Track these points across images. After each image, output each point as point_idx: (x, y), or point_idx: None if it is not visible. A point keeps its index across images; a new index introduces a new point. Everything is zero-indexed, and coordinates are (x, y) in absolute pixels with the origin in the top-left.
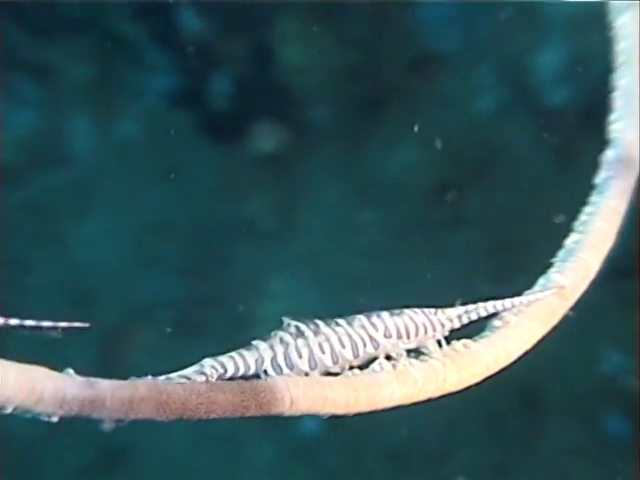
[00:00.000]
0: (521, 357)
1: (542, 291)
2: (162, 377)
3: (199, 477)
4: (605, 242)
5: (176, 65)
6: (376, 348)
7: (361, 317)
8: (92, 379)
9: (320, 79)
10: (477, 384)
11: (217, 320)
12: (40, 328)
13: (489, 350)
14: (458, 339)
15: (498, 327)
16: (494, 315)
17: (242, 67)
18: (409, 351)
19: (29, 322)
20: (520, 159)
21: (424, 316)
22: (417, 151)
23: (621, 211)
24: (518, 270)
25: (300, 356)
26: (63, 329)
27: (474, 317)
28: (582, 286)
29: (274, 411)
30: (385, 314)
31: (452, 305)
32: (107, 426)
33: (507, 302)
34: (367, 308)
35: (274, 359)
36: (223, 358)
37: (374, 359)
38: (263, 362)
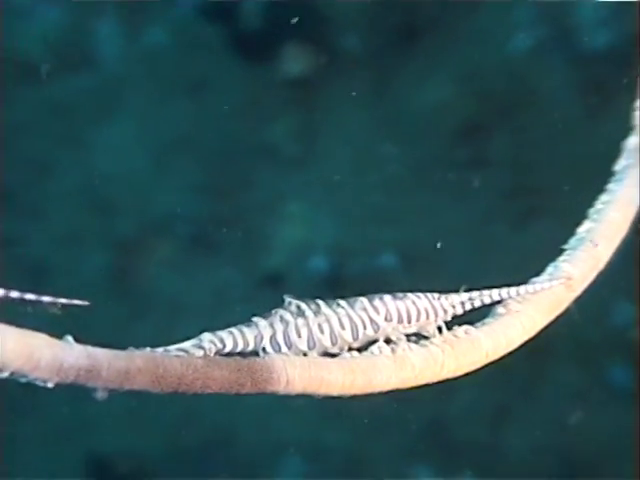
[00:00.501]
0: (522, 346)
1: (550, 280)
2: (160, 349)
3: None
4: (618, 233)
5: None
6: (376, 331)
7: (363, 299)
8: (90, 348)
9: (355, 6)
10: (475, 371)
11: (233, 240)
12: (40, 302)
13: (490, 338)
14: (460, 324)
15: (501, 314)
16: (498, 302)
17: None
18: (409, 335)
19: (29, 295)
20: (551, 103)
21: (427, 301)
22: (447, 87)
23: (637, 201)
24: (538, 216)
25: (299, 335)
26: (63, 305)
27: (478, 304)
28: (590, 277)
29: (269, 389)
30: (387, 297)
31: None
32: (100, 395)
33: (512, 290)
34: (380, 241)
35: (273, 337)
36: (222, 333)
37: (374, 342)
38: (262, 339)
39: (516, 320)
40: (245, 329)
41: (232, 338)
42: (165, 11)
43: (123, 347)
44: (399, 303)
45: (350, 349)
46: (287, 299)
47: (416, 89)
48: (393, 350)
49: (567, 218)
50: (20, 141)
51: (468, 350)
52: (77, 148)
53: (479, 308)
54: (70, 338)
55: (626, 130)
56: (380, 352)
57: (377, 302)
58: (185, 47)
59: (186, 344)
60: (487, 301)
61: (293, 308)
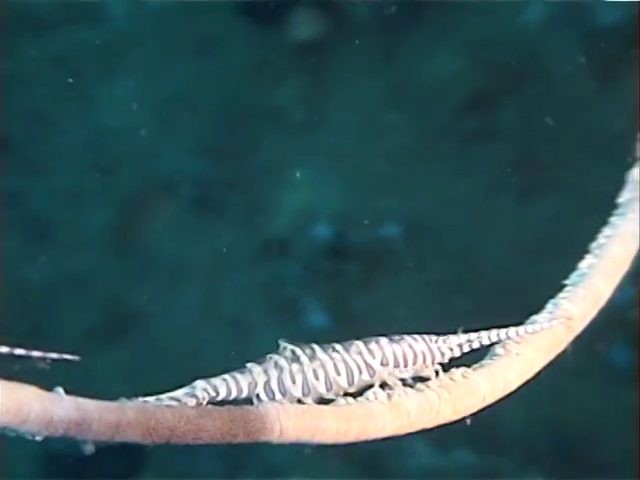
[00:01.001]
0: (519, 388)
1: (549, 320)
2: (152, 398)
3: (202, 353)
4: (620, 269)
5: None
6: (372, 376)
7: (358, 343)
8: (80, 400)
9: None
10: (471, 415)
11: (236, 203)
12: (29, 357)
13: (488, 381)
14: (457, 366)
15: (499, 355)
16: (496, 342)
17: None
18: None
19: (19, 351)
20: (561, 76)
21: (424, 344)
22: (456, 58)
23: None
24: (544, 190)
25: (294, 382)
26: (52, 360)
27: (476, 346)
28: (591, 315)
29: (262, 439)
30: (384, 340)
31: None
32: (89, 448)
33: (511, 331)
34: (385, 211)
35: (267, 383)
36: (215, 381)
37: (369, 386)
38: (256, 386)
39: (514, 362)
40: (239, 376)
41: (225, 386)
42: None
43: (126, 308)
44: (395, 347)
45: (345, 394)
46: (282, 344)
47: (425, 58)
48: (389, 396)
49: (573, 193)
50: (23, 94)
51: (465, 394)
52: (81, 103)
53: (477, 350)
54: (60, 390)
55: (635, 108)
56: (375, 398)
57: (373, 346)
58: (194, 6)
59: (178, 392)
60: (485, 343)
61: (288, 353)
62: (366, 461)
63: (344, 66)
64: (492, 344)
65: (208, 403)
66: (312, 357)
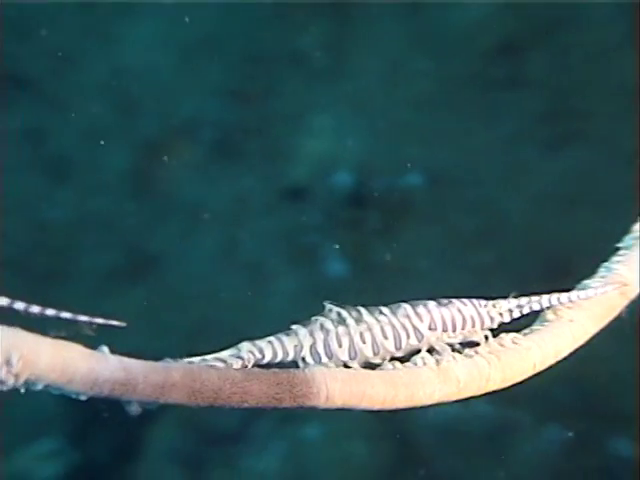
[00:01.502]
0: (571, 354)
1: (603, 286)
2: (197, 359)
3: (220, 297)
4: None
5: None
6: (420, 340)
7: (406, 306)
8: (125, 360)
9: None
10: (521, 382)
11: (257, 148)
12: (75, 322)
13: (539, 348)
14: (507, 331)
15: (551, 321)
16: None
17: None
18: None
19: (65, 314)
20: (593, 25)
21: (473, 308)
22: (485, 4)
23: None
24: (572, 141)
25: (340, 345)
26: (98, 325)
27: (526, 311)
28: None
29: (308, 404)
30: (432, 304)
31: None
32: (134, 409)
33: (563, 296)
34: (407, 159)
35: (313, 346)
36: (261, 343)
37: (417, 351)
38: (302, 349)
39: (566, 328)
40: (284, 338)
41: (271, 348)
42: None
43: (145, 251)
44: (444, 310)
45: (392, 359)
46: (327, 306)
47: (453, 4)
48: (437, 362)
49: (601, 145)
50: (44, 32)
51: (515, 361)
52: (103, 42)
53: (527, 315)
54: (105, 349)
55: None
56: (424, 363)
57: (421, 309)
58: None
59: (224, 353)
60: (536, 308)
61: (334, 315)
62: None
63: (370, 11)
64: (543, 310)
65: (254, 365)
66: (359, 320)
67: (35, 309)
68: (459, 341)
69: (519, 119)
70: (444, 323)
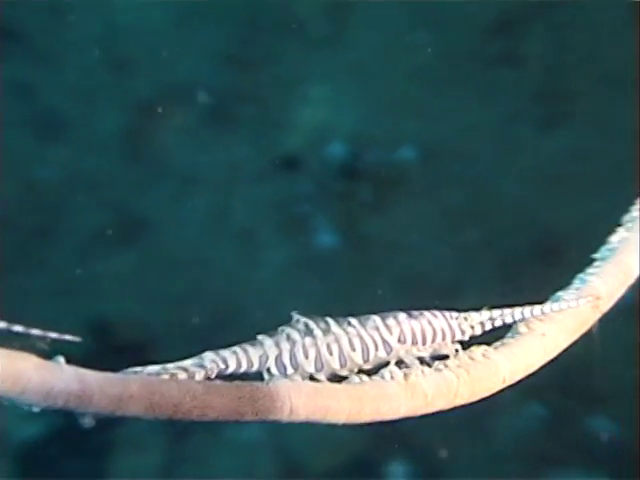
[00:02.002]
0: (540, 369)
1: (576, 299)
2: (158, 367)
3: (209, 265)
4: None
5: None
6: (388, 353)
7: (376, 318)
8: (81, 371)
9: None
10: (489, 396)
11: (251, 115)
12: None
13: (509, 362)
14: (478, 344)
15: (523, 333)
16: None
17: None
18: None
19: (18, 327)
20: (590, 5)
21: (444, 320)
22: None
23: None
24: (567, 121)
25: (306, 356)
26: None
27: (498, 324)
28: (619, 293)
29: (271, 418)
30: (402, 316)
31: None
32: (88, 421)
33: (536, 309)
34: (402, 133)
35: (279, 357)
36: (225, 352)
37: (385, 363)
38: (267, 360)
39: (538, 342)
40: (249, 348)
41: (235, 358)
42: None
43: (135, 214)
44: (414, 323)
45: (360, 371)
46: (295, 316)
47: None
48: (405, 376)
49: (597, 126)
50: None
51: (485, 375)
52: None
53: (499, 328)
54: (61, 359)
55: None
56: (391, 377)
57: (391, 321)
58: None
59: (186, 362)
60: (508, 321)
61: (301, 326)
62: None
63: None
64: (515, 322)
65: (217, 376)
66: (326, 331)
67: None
68: (429, 354)
69: (515, 97)
70: (414, 336)
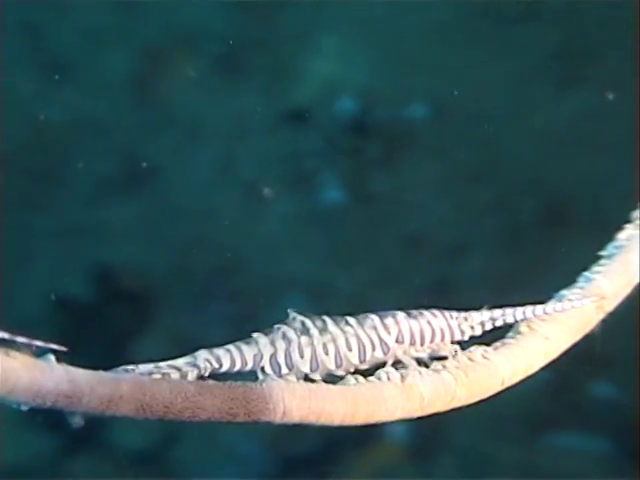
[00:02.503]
0: (540, 370)
1: (580, 299)
2: (150, 365)
3: (214, 215)
4: None
5: None
6: (386, 353)
7: (374, 317)
8: (72, 371)
9: None
10: (486, 399)
11: (261, 65)
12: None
13: (508, 363)
14: (478, 344)
15: (524, 334)
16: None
17: None
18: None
19: (3, 334)
20: None
21: (443, 320)
22: None
23: None
24: (581, 81)
25: (302, 356)
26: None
27: (499, 324)
28: (624, 293)
29: (263, 419)
30: (401, 315)
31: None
32: (77, 421)
33: (538, 309)
34: (413, 89)
35: (274, 356)
36: (219, 351)
37: (382, 364)
38: (262, 359)
39: (539, 343)
40: (244, 347)
41: (229, 357)
42: None
43: (142, 160)
44: (413, 322)
45: (356, 371)
46: (291, 314)
47: None
48: (402, 377)
49: (614, 87)
50: None
51: (483, 377)
52: None
53: (500, 328)
54: (52, 358)
55: None
56: (388, 378)
57: (389, 320)
58: None
59: (179, 361)
60: (510, 321)
61: (297, 324)
62: None
63: None
64: (516, 322)
65: (210, 374)
66: (323, 330)
67: None
68: (427, 355)
69: (530, 55)
70: (412, 336)
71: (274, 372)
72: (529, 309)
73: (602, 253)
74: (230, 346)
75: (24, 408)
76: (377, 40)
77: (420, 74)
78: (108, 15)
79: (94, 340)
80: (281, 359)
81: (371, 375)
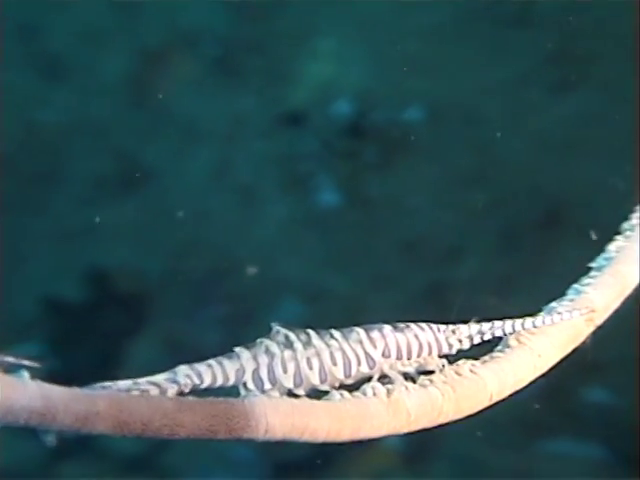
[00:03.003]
0: (529, 385)
1: (569, 311)
2: (129, 382)
3: (209, 217)
4: None
5: None
6: (372, 367)
7: (359, 330)
8: (46, 388)
9: None
10: (474, 414)
11: (257, 67)
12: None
13: (497, 378)
14: (466, 357)
15: (512, 347)
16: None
17: None
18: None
19: None
20: None
21: (431, 333)
22: None
23: None
24: (577, 84)
25: (285, 371)
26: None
27: (487, 337)
28: (615, 305)
29: (245, 436)
30: (387, 328)
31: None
32: (50, 440)
33: (528, 322)
34: (410, 92)
35: (256, 371)
36: (200, 366)
37: (368, 378)
38: (244, 374)
39: (529, 357)
40: (225, 362)
41: (211, 372)
42: None
43: (138, 162)
44: (399, 336)
45: (341, 386)
46: (275, 327)
47: None
48: (389, 392)
49: (608, 91)
50: None
51: (471, 392)
52: None
53: (489, 341)
54: (25, 374)
55: None
56: (374, 394)
57: (375, 334)
58: None
59: (159, 377)
60: (498, 334)
61: (280, 338)
62: None
63: None
64: (505, 335)
65: (191, 391)
66: (307, 343)
67: None
68: (414, 369)
69: (527, 59)
70: (399, 350)
71: (257, 387)
72: (518, 322)
73: (592, 265)
74: (211, 361)
75: None
76: (373, 43)
77: (417, 77)
78: (105, 16)
79: (89, 343)
80: (264, 374)
81: (357, 390)
